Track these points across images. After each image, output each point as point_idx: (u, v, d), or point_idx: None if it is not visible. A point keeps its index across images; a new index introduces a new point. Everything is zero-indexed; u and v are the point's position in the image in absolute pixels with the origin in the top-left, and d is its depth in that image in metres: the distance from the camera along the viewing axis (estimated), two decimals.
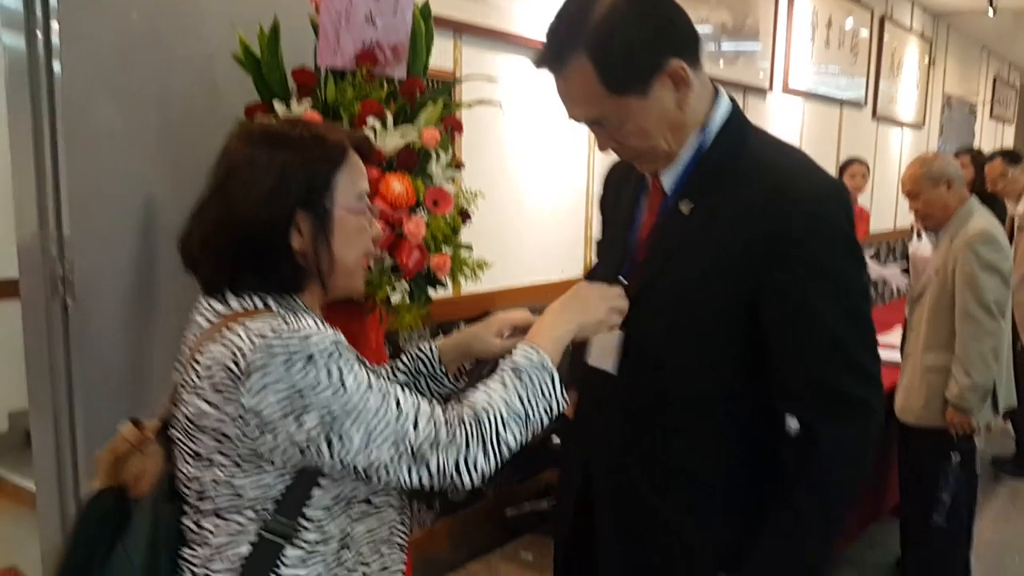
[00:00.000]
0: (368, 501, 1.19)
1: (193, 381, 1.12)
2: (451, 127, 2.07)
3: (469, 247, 2.12)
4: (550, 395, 1.15)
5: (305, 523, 1.12)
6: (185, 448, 1.15)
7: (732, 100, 1.30)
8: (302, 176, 1.13)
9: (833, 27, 6.01)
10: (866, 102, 6.81)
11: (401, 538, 1.27)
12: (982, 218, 2.82)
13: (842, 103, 6.39)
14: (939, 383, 2.79)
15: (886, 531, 3.43)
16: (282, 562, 1.11)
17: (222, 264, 1.15)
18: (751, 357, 1.23)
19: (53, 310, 2.02)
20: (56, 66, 1.89)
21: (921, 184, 2.90)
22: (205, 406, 1.10)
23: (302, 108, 1.90)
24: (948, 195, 2.86)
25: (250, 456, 1.09)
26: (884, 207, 7.08)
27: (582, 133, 3.55)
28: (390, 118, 1.93)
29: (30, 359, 2.15)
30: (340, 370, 1.06)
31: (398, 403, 1.09)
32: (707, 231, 1.23)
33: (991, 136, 10.66)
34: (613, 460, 1.34)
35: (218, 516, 1.12)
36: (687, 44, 1.20)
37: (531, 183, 3.45)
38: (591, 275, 1.43)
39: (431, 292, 2.08)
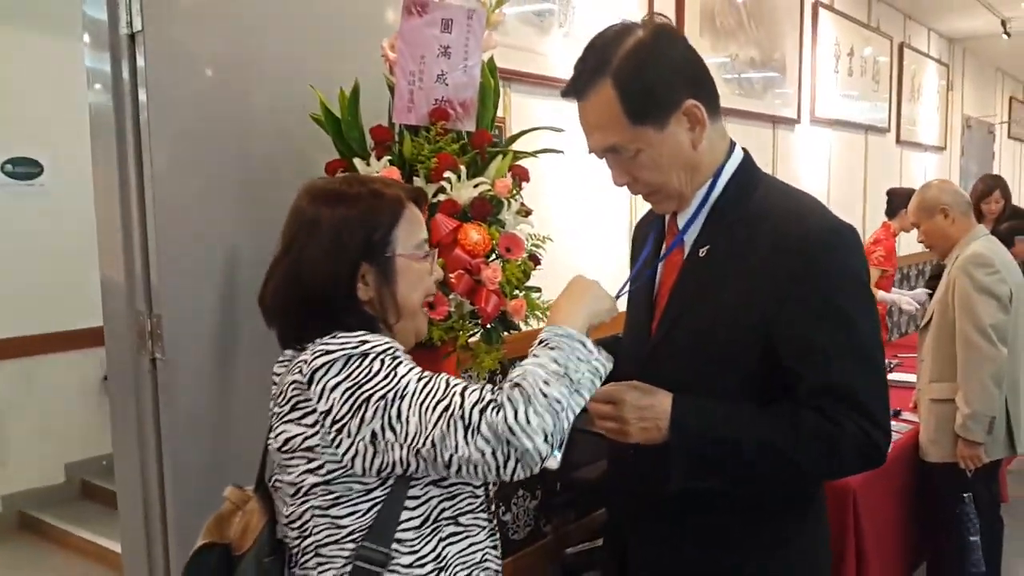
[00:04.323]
0: (456, 521, 1.23)
1: (276, 412, 1.21)
2: (518, 175, 2.14)
3: (539, 290, 2.18)
4: (587, 357, 1.16)
5: (398, 547, 1.17)
6: (282, 490, 1.22)
7: (745, 151, 1.38)
8: (362, 231, 1.23)
9: (855, 56, 6.10)
10: (889, 127, 6.87)
11: (495, 564, 1.32)
12: (980, 243, 2.74)
13: (867, 129, 6.46)
14: (946, 415, 2.68)
15: None
16: None
17: (295, 318, 1.24)
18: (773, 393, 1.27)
19: (141, 364, 2.08)
20: (143, 125, 1.97)
21: (918, 214, 2.86)
22: (290, 428, 1.18)
23: (380, 164, 1.97)
24: (946, 224, 2.78)
25: (337, 472, 1.15)
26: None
27: None
28: (463, 170, 2.00)
29: (116, 415, 2.19)
30: (393, 361, 1.15)
31: (447, 382, 1.14)
32: (723, 273, 1.29)
33: (1011, 156, 10.69)
34: (643, 496, 1.39)
35: (319, 553, 1.19)
36: (705, 89, 1.30)
37: (576, 222, 3.52)
38: (626, 326, 1.49)
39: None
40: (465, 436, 1.08)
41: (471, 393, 1.12)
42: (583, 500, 3.58)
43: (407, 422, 1.10)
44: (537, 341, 1.19)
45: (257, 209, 2.13)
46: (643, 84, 1.24)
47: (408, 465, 1.13)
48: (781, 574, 1.34)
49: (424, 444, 1.10)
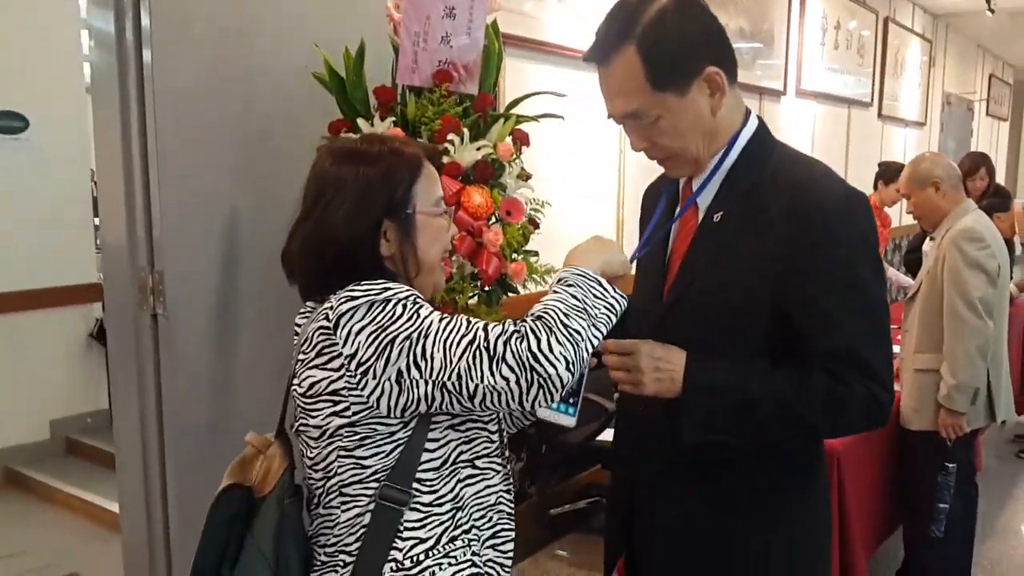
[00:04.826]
0: (472, 464, 1.29)
1: (301, 359, 1.25)
2: (518, 139, 2.17)
3: (536, 254, 2.22)
4: (603, 295, 1.21)
5: (418, 487, 1.23)
6: (306, 433, 1.27)
7: (760, 119, 1.41)
8: (385, 188, 1.27)
9: (841, 29, 6.14)
10: (872, 102, 6.94)
11: (508, 507, 1.37)
12: (971, 217, 2.80)
13: (850, 103, 6.52)
14: (930, 385, 2.75)
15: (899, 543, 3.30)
16: (403, 525, 1.23)
17: (319, 274, 1.28)
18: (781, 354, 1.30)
19: (142, 320, 2.09)
20: (147, 83, 1.98)
21: (910, 186, 2.91)
22: (315, 373, 1.22)
23: (385, 125, 1.99)
24: (937, 197, 2.84)
25: (363, 413, 1.20)
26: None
27: (613, 138, 3.66)
28: (466, 133, 2.02)
29: (115, 371, 2.21)
30: (415, 305, 1.19)
31: (468, 320, 1.18)
32: (737, 239, 1.32)
33: (988, 133, 10.81)
34: (654, 454, 1.42)
35: (343, 493, 1.24)
36: (726, 57, 1.32)
37: (567, 186, 3.54)
38: (636, 290, 1.50)
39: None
40: (490, 366, 1.13)
41: (494, 327, 1.16)
42: (568, 462, 3.65)
43: (432, 359, 1.15)
44: (555, 279, 1.23)
45: (260, 167, 2.14)
46: (666, 51, 1.26)
47: (433, 400, 1.17)
48: (785, 551, 1.37)
49: (450, 377, 1.14)
